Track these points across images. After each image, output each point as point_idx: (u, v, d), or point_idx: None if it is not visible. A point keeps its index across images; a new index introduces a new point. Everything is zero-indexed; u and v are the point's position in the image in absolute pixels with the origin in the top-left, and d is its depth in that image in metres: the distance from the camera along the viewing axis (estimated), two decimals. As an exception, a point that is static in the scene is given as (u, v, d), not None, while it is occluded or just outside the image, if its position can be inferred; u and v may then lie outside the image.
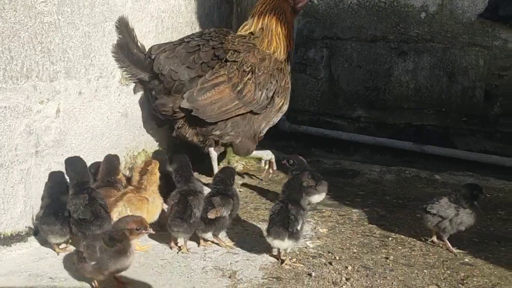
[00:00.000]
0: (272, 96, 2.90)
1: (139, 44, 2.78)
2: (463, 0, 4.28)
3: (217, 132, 2.81)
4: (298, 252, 2.32)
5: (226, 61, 2.80)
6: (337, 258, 2.29)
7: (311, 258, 2.27)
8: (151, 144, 3.05)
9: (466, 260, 2.29)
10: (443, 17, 4.35)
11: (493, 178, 3.65)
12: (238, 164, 3.87)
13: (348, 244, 2.44)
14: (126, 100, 2.77)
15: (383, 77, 4.59)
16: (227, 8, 3.88)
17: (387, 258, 2.30)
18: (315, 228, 2.63)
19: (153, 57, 2.74)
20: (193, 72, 2.72)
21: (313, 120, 4.88)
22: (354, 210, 2.93)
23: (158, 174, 2.29)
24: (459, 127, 4.39)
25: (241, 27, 3.14)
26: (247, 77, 2.81)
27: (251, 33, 2.99)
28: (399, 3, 4.50)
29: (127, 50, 2.68)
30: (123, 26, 2.66)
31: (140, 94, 2.88)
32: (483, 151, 4.28)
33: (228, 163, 3.88)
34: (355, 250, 2.37)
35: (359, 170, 3.81)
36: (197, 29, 3.44)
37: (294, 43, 3.21)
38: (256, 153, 3.20)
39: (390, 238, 2.53)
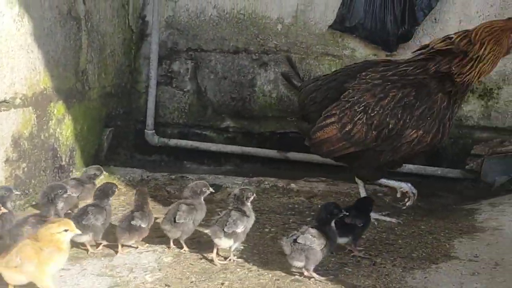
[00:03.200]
0: (397, 131, 2.88)
1: (300, 75, 3.51)
2: (315, 12, 4.51)
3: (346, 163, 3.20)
4: (134, 289, 2.30)
5: (341, 100, 2.97)
6: (172, 290, 2.30)
7: (145, 295, 2.25)
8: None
9: (297, 276, 2.43)
10: (298, 28, 4.55)
11: (342, 182, 3.90)
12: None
13: (188, 273, 2.45)
14: None
15: (248, 88, 4.70)
16: (74, 26, 3.68)
17: (222, 284, 2.34)
18: (159, 258, 2.61)
19: (301, 89, 3.31)
20: (312, 107, 3.13)
21: (183, 133, 4.85)
22: (206, 232, 2.95)
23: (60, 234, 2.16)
24: (318, 133, 4.64)
25: (441, 41, 3.02)
26: (358, 117, 2.88)
27: (450, 48, 2.94)
28: (257, 15, 4.61)
29: (289, 79, 3.46)
30: (288, 61, 3.57)
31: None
32: (340, 154, 4.58)
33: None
34: (193, 279, 2.39)
35: (222, 184, 3.86)
36: (35, 51, 3.23)
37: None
38: (386, 182, 3.19)
39: (232, 260, 2.59)
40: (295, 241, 2.36)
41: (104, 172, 3.34)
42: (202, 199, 2.83)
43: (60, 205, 2.60)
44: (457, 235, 2.87)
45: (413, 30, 4.24)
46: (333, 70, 4.47)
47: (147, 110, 4.72)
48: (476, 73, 2.92)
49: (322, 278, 2.36)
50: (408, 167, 4.19)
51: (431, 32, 4.31)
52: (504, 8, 4.14)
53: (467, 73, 2.92)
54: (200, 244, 2.78)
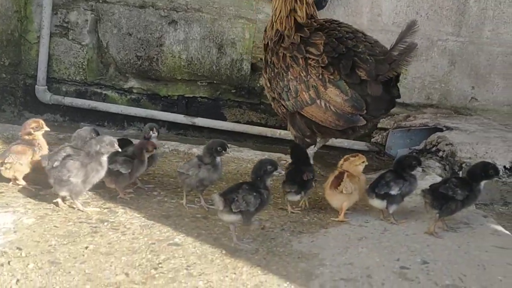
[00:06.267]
0: None
1: None
2: (229, -30, 4.22)
3: None
4: (-25, 253, 1.92)
5: None
6: (23, 255, 1.93)
7: (-13, 259, 1.89)
8: None
9: (176, 240, 2.16)
10: (211, -14, 4.24)
11: (247, 149, 3.70)
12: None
13: (49, 236, 2.10)
14: None
15: (155, 46, 4.32)
16: None
17: (86, 248, 2.03)
18: (19, 219, 2.22)
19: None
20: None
21: (81, 91, 4.38)
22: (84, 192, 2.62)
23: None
24: (228, 99, 4.41)
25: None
26: None
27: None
28: (167, -32, 4.23)
29: None
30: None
31: None
32: (249, 122, 4.39)
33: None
34: (53, 242, 2.05)
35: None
36: None
37: None
38: None
39: (106, 223, 2.26)
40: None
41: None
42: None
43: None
44: (353, 202, 2.76)
45: (327, -2, 4.09)
46: (246, 34, 4.27)
47: (38, 63, 4.19)
48: None
49: None
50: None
51: (345, 3, 4.20)
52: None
53: None
54: (73, 204, 2.43)
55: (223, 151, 2.52)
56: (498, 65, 4.16)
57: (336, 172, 2.54)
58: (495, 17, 4.10)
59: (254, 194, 2.13)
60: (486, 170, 2.40)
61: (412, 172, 2.55)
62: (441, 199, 2.32)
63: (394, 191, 2.44)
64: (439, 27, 4.15)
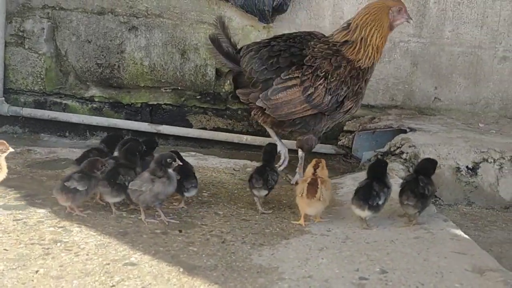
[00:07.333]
0: (342, 100, 3.07)
1: (231, 40, 3.17)
2: (189, -25, 4.16)
3: (287, 128, 3.16)
4: None
5: (303, 65, 3.01)
6: (-34, 284, 1.86)
7: None
8: None
9: (132, 259, 2.09)
10: (171, -9, 4.17)
11: (212, 157, 3.65)
12: None
13: (-3, 261, 2.03)
14: None
15: (116, 53, 4.21)
16: None
17: (36, 272, 1.95)
18: (-33, 244, 2.14)
19: (241, 54, 3.09)
20: (269, 73, 3.02)
21: (40, 102, 4.25)
22: (39, 211, 2.50)
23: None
24: (193, 106, 4.34)
25: (339, 31, 3.14)
26: (319, 82, 3.00)
27: (347, 40, 3.08)
28: (125, -27, 4.14)
29: (218, 43, 3.14)
30: (219, 24, 3.16)
31: None
32: (216, 128, 4.33)
33: None
34: (2, 267, 1.95)
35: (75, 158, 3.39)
36: None
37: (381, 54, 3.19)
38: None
39: (59, 244, 2.18)
40: None
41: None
42: None
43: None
44: (315, 209, 2.74)
45: (289, 2, 4.07)
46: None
47: (-6, 74, 4.05)
48: (370, 54, 3.09)
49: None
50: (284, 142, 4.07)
51: (307, 6, 4.19)
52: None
53: (364, 58, 3.09)
54: (25, 225, 2.34)
55: (173, 162, 2.49)
56: (459, 65, 4.22)
57: (309, 179, 2.50)
58: (455, 18, 4.16)
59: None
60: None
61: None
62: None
63: (381, 201, 2.44)
64: (400, 29, 4.16)
